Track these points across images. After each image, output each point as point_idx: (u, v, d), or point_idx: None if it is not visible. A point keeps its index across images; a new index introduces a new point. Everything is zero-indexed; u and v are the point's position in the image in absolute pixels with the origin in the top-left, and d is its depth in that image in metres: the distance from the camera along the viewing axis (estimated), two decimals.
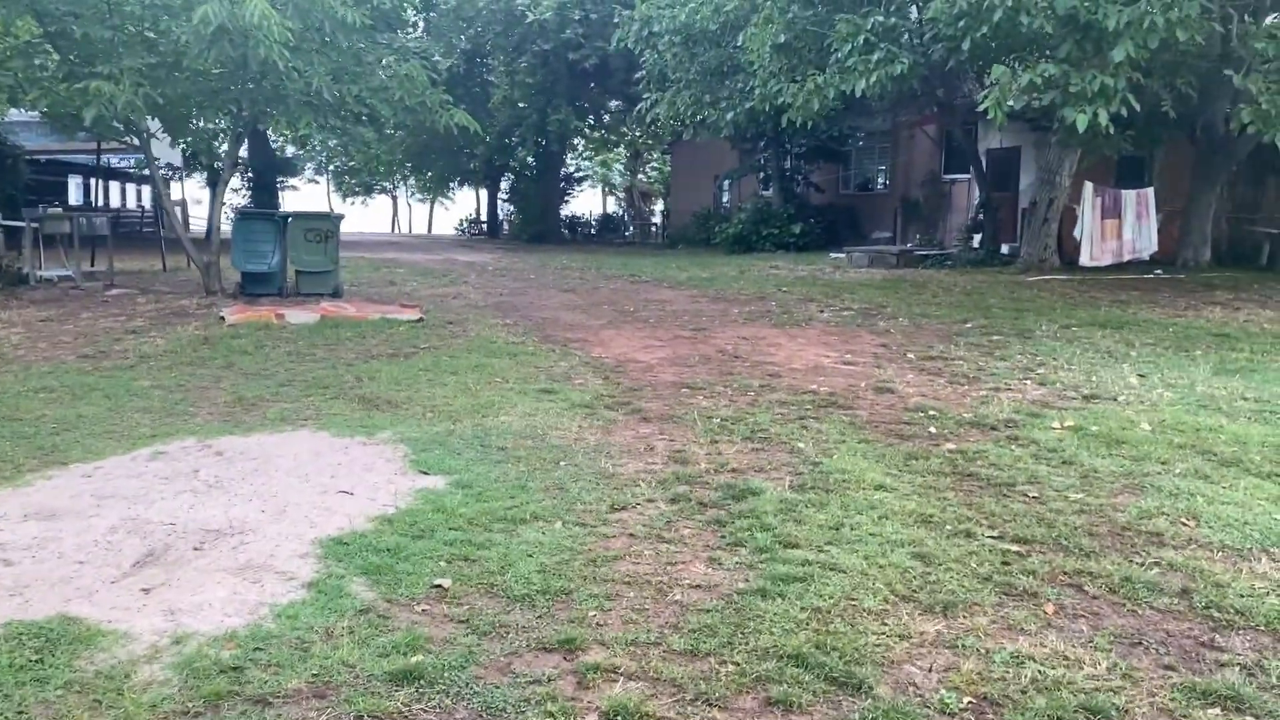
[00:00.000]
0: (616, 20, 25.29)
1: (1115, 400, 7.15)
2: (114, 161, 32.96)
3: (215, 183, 35.68)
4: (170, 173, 36.77)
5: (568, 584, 3.93)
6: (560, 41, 30.30)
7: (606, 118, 38.91)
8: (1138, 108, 10.83)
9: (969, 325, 10.88)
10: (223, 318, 10.83)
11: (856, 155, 28.36)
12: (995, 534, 4.51)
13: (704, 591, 3.89)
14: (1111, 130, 11.21)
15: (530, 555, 4.20)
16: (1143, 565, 4.17)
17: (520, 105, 33.04)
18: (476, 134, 14.54)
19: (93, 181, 36.56)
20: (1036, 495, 5.05)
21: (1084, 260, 16.63)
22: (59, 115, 11.92)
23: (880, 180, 27.94)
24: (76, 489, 5.06)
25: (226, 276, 13.75)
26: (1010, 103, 11.12)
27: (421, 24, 34.09)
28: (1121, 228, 16.50)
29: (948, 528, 4.57)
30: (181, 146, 24.85)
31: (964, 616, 3.69)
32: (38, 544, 4.30)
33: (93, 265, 15.26)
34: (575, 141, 41.87)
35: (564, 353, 9.31)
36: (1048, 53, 11.65)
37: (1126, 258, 16.95)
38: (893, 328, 10.87)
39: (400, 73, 12.24)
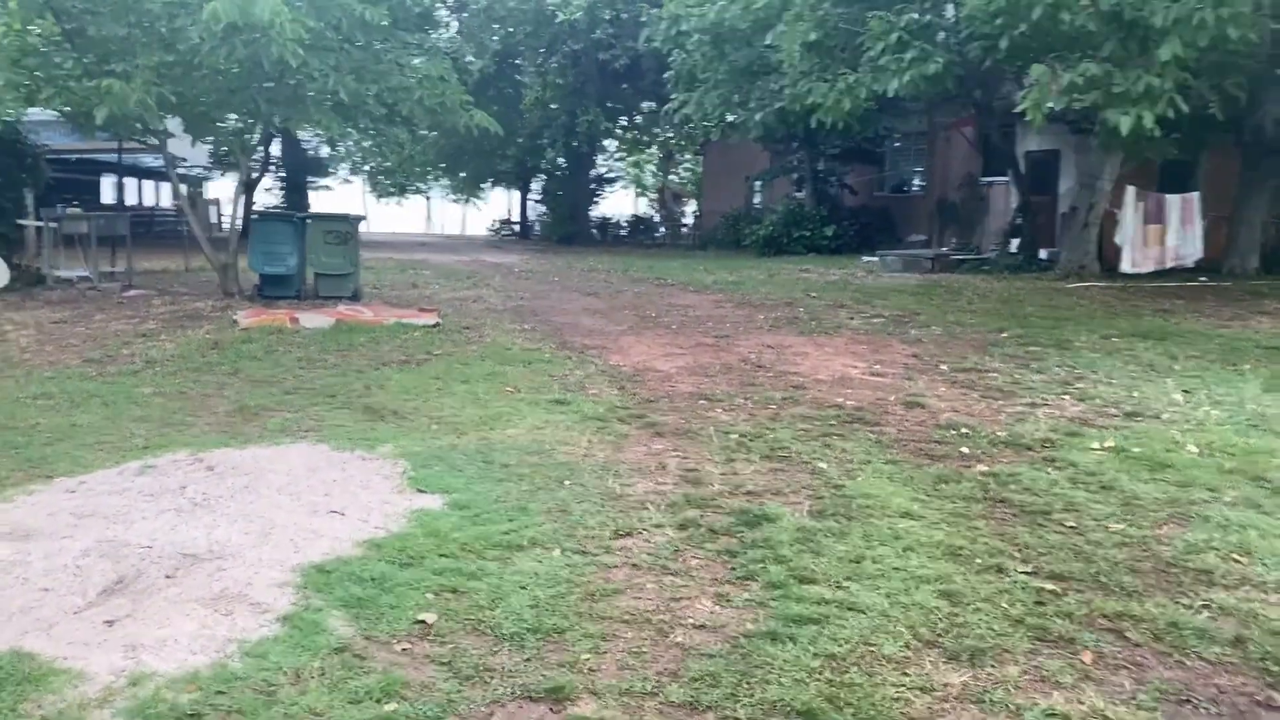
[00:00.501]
0: (645, 19, 24.97)
1: (1158, 418, 6.75)
2: (150, 161, 33.09)
3: (247, 182, 35.91)
4: (204, 172, 36.97)
5: (561, 621, 3.63)
6: (590, 41, 30.07)
7: (638, 118, 38.64)
8: (1185, 109, 10.35)
9: (1005, 335, 10.47)
10: (235, 321, 10.64)
11: (892, 157, 27.87)
12: (1029, 569, 4.17)
13: (709, 633, 3.58)
14: (1156, 133, 10.71)
15: (523, 588, 3.91)
16: (1191, 608, 3.81)
17: (551, 106, 32.84)
18: (497, 134, 14.28)
19: (126, 181, 36.78)
20: (1074, 525, 4.69)
21: (1125, 266, 16.11)
22: (76, 114, 11.80)
23: (916, 182, 27.44)
24: (56, 506, 4.82)
25: (246, 278, 13.58)
26: (1050, 104, 10.67)
27: (455, 25, 34.00)
28: (1165, 233, 15.97)
29: (977, 561, 4.23)
30: (209, 146, 24.91)
31: (993, 666, 3.36)
32: (4, 568, 4.06)
33: (113, 265, 15.15)
34: (606, 143, 41.62)
35: (580, 360, 9.02)
36: (1089, 52, 11.18)
37: (1170, 264, 16.41)
38: (925, 337, 10.49)
39: (420, 72, 11.97)
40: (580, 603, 3.80)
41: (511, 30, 32.28)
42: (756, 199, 32.27)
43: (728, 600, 3.85)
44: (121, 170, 33.78)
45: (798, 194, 28.27)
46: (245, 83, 11.89)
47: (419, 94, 12.05)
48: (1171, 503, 5.00)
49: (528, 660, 3.37)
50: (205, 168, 36.60)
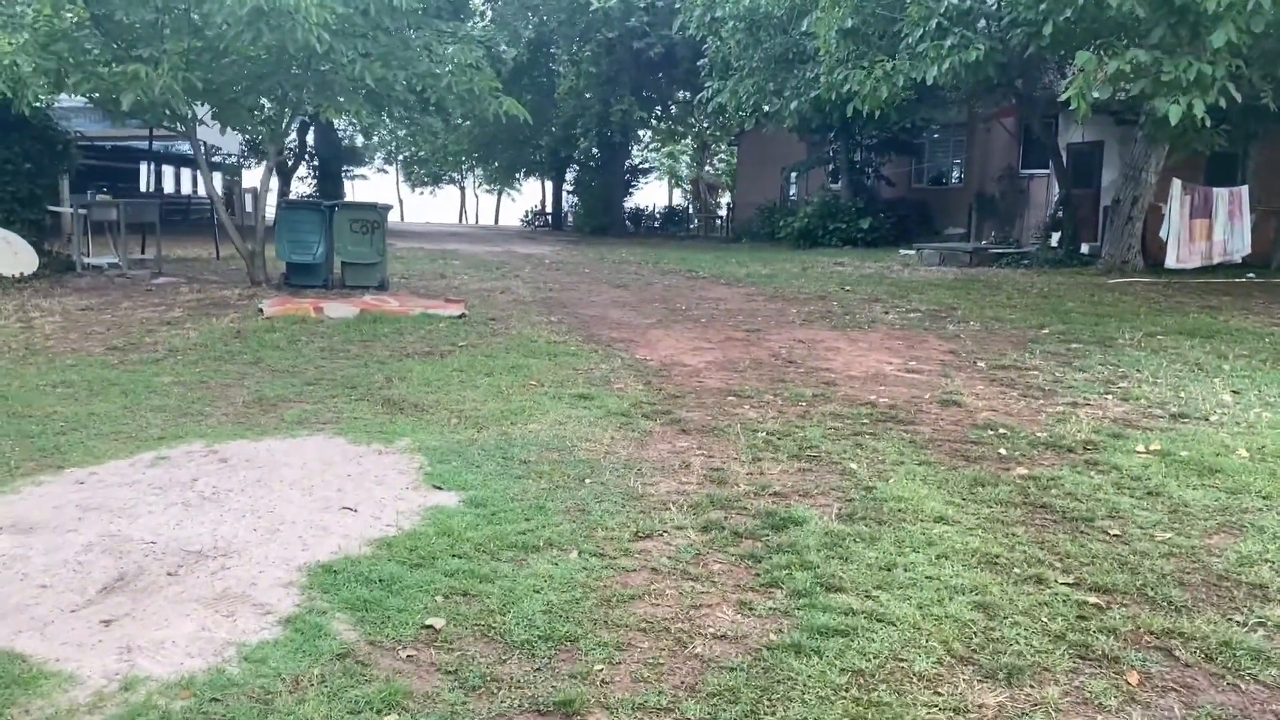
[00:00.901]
0: (679, 6, 24.70)
1: (1206, 420, 6.47)
2: (186, 148, 33.28)
3: (277, 170, 36.02)
4: (241, 160, 37.14)
5: (575, 629, 3.46)
6: (625, 30, 29.83)
7: (673, 108, 38.36)
8: (1238, 98, 9.96)
9: (1045, 331, 10.17)
10: (260, 310, 10.56)
11: (930, 148, 27.43)
12: (1070, 580, 3.94)
13: (729, 644, 3.40)
14: (1207, 123, 10.31)
15: (537, 591, 3.74)
16: (1244, 626, 3.58)
17: (585, 95, 32.64)
18: (528, 123, 14.10)
19: (165, 169, 37.01)
20: (1118, 533, 4.46)
21: (1170, 262, 15.69)
22: (104, 100, 11.75)
23: (954, 174, 27.00)
24: (63, 498, 4.71)
25: (274, 267, 13.52)
26: (1096, 93, 10.30)
27: (490, 13, 33.88)
28: (1212, 228, 15.54)
29: (1015, 571, 4.01)
30: (245, 134, 24.96)
31: (1031, 685, 3.15)
32: (4, 563, 3.94)
33: (143, 253, 15.15)
34: (640, 133, 41.37)
35: (606, 354, 8.83)
36: (1137, 39, 10.79)
37: (1216, 260, 15.97)
38: (963, 332, 10.21)
39: (447, 58, 11.79)
40: (596, 609, 3.62)
41: (545, 18, 32.10)
42: (792, 191, 31.92)
43: (750, 609, 3.66)
44: (159, 158, 33.98)
45: (833, 185, 27.92)
46: (273, 69, 11.77)
47: (447, 80, 11.86)
48: (1222, 511, 4.75)
49: (538, 670, 3.21)
50: (242, 156, 36.77)
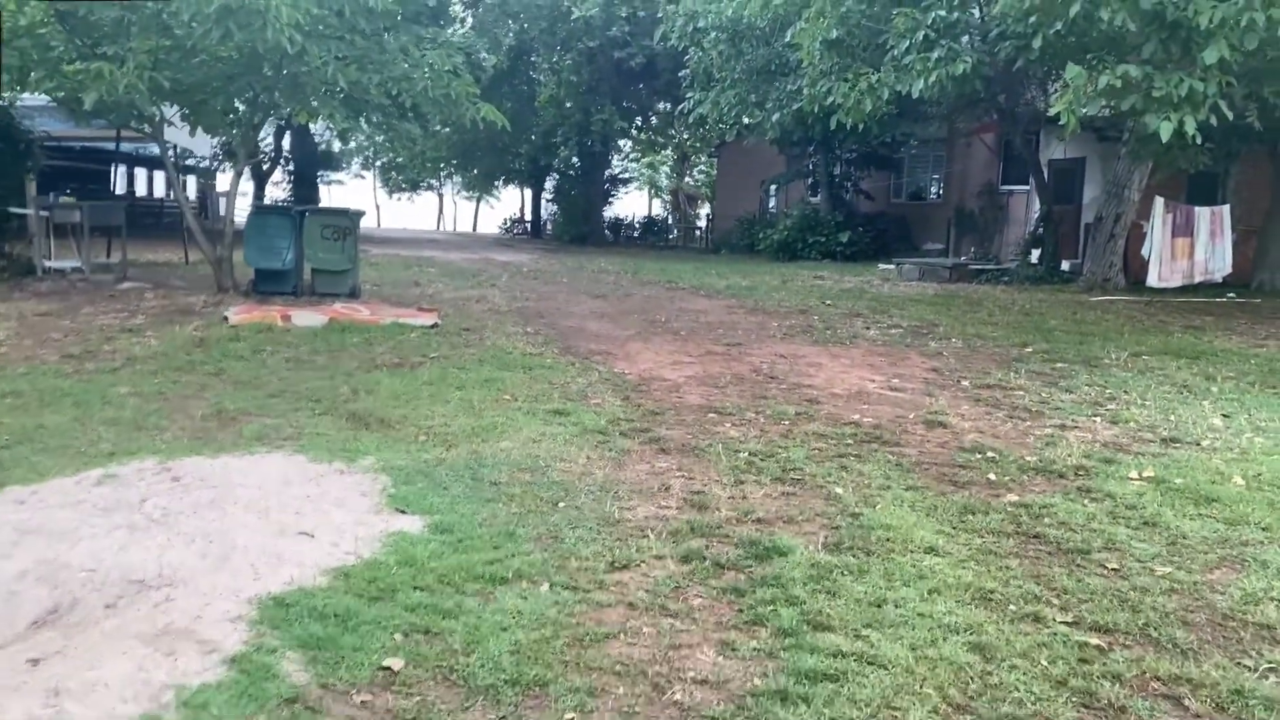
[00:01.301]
0: (661, 15, 24.52)
1: (1199, 445, 6.30)
2: (156, 149, 32.70)
3: (253, 175, 35.56)
4: (214, 163, 36.61)
5: (544, 672, 3.21)
6: (606, 39, 29.63)
7: (654, 119, 38.18)
8: (1230, 116, 9.83)
9: (1029, 350, 10.01)
10: (226, 318, 10.23)
11: (909, 163, 27.38)
12: (1069, 619, 3.73)
13: (711, 690, 3.16)
14: (1198, 139, 10.17)
15: (504, 629, 3.48)
16: (1255, 671, 3.37)
17: (566, 104, 32.40)
18: (507, 130, 13.85)
19: (137, 171, 36.42)
20: (1116, 567, 4.25)
21: (1152, 280, 15.60)
22: (68, 99, 11.40)
23: (934, 190, 26.96)
24: (1, 519, 4.41)
25: (243, 273, 13.18)
26: (1085, 108, 10.15)
27: (471, 19, 33.58)
28: (1194, 247, 15.47)
29: (1011, 608, 3.79)
30: (216, 136, 24.53)
31: None
32: None
33: (108, 257, 14.76)
34: (621, 143, 41.15)
35: (584, 367, 8.58)
36: (1126, 55, 10.64)
37: (1198, 279, 15.90)
38: (945, 350, 10.03)
39: (423, 62, 11.52)
40: (567, 649, 3.38)
41: (526, 26, 31.84)
42: (771, 203, 31.81)
43: (733, 649, 3.42)
44: (130, 160, 33.42)
45: (813, 199, 27.81)
46: (244, 70, 11.45)
47: (423, 85, 11.59)
48: (1222, 543, 4.55)
49: (503, 718, 2.96)
50: (215, 159, 36.25)
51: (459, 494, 4.93)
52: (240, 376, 7.75)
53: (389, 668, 3.21)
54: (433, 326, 10.38)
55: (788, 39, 17.50)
